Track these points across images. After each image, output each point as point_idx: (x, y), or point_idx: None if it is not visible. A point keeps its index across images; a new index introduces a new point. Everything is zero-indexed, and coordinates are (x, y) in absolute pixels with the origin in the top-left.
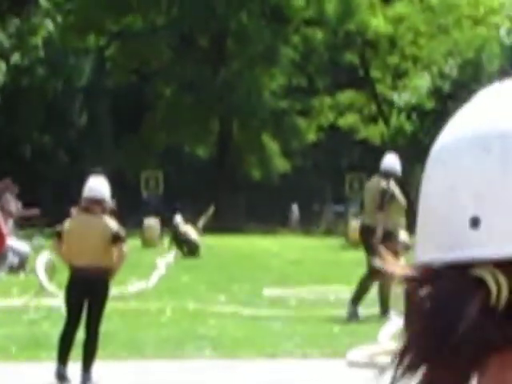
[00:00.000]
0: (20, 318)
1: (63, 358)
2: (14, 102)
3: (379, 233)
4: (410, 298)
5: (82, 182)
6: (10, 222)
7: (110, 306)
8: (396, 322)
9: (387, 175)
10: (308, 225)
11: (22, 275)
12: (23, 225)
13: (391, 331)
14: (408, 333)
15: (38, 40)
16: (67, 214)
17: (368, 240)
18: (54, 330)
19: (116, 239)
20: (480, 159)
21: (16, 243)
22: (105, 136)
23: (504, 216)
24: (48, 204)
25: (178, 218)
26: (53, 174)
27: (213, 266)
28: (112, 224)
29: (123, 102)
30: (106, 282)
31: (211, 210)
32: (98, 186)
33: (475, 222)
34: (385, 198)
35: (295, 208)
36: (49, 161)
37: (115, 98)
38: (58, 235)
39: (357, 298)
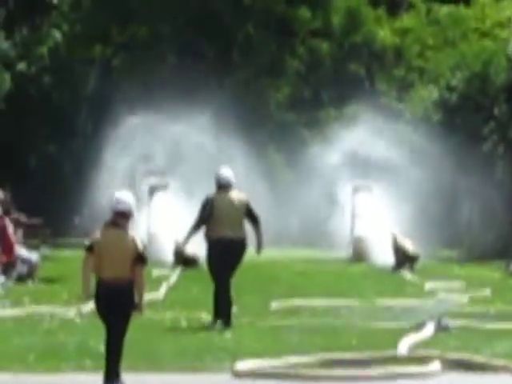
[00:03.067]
0: (35, 327)
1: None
2: (19, 110)
3: None
4: None
5: (84, 191)
6: (20, 231)
7: None
8: (424, 332)
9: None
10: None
11: (30, 284)
12: (28, 234)
13: (411, 341)
14: None
15: (44, 49)
16: (71, 224)
17: None
18: (70, 340)
19: (140, 259)
20: None
21: (24, 252)
22: None
23: None
24: (52, 213)
25: None
26: (57, 184)
27: None
28: (139, 242)
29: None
30: (132, 293)
31: None
32: (124, 199)
33: None
34: None
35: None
36: (54, 170)
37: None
38: (90, 249)
39: None
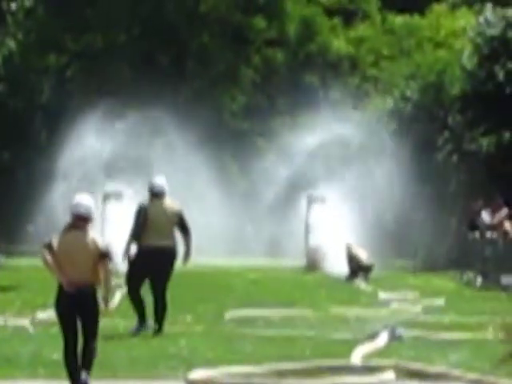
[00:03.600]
0: None
1: (72, 375)
2: None
3: None
4: None
5: (38, 199)
6: None
7: None
8: (378, 342)
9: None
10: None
11: None
12: None
13: (364, 351)
14: None
15: None
16: (24, 233)
17: None
18: (24, 349)
19: (103, 256)
20: None
21: None
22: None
23: None
24: (5, 221)
25: None
26: (11, 192)
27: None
28: (99, 240)
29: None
30: (95, 296)
31: None
32: (84, 202)
33: None
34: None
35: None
36: (7, 178)
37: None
38: (49, 247)
39: None
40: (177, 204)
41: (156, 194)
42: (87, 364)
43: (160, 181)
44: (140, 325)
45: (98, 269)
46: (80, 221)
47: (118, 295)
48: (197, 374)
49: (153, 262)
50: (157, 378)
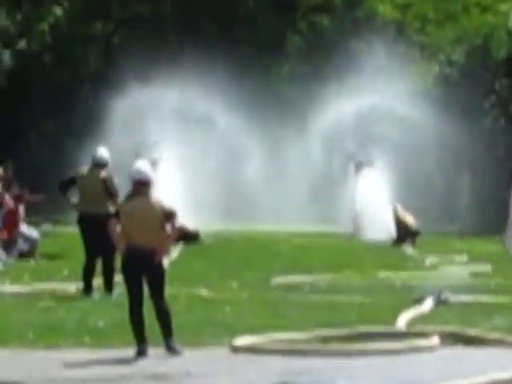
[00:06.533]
0: (34, 304)
1: (139, 336)
2: (20, 88)
3: None
4: None
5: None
6: (21, 208)
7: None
8: (421, 308)
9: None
10: None
11: (32, 262)
12: (29, 211)
13: (410, 316)
14: None
15: (45, 26)
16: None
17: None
18: (69, 316)
19: (170, 215)
20: None
21: (26, 229)
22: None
23: None
24: (52, 190)
25: None
26: (57, 161)
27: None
28: (164, 202)
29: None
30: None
31: None
32: (142, 168)
33: None
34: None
35: None
36: (54, 148)
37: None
38: (117, 215)
39: None
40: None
41: (95, 164)
42: (166, 329)
43: (100, 152)
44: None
45: (164, 230)
46: (141, 186)
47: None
48: (241, 340)
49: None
50: (202, 345)
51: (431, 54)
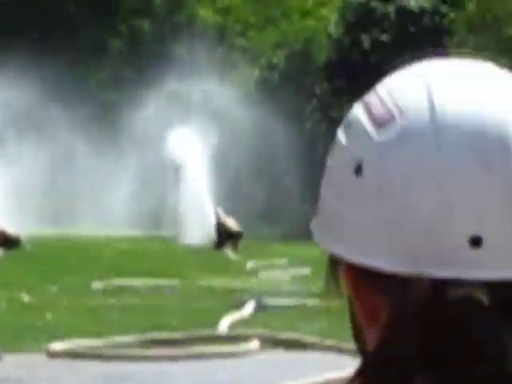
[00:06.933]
0: None
1: None
2: None
3: None
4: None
5: None
6: None
7: None
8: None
9: None
10: None
11: None
12: None
13: (232, 320)
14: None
15: None
16: None
17: None
18: None
19: None
20: (481, 176)
21: None
22: None
23: (507, 237)
24: None
25: None
26: None
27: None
28: None
29: None
30: None
31: None
32: None
33: (476, 242)
34: None
35: None
36: None
37: None
38: None
39: None
40: None
41: None
42: None
43: None
44: None
45: None
46: None
47: None
48: (58, 345)
49: None
50: (21, 350)
51: (252, 58)
